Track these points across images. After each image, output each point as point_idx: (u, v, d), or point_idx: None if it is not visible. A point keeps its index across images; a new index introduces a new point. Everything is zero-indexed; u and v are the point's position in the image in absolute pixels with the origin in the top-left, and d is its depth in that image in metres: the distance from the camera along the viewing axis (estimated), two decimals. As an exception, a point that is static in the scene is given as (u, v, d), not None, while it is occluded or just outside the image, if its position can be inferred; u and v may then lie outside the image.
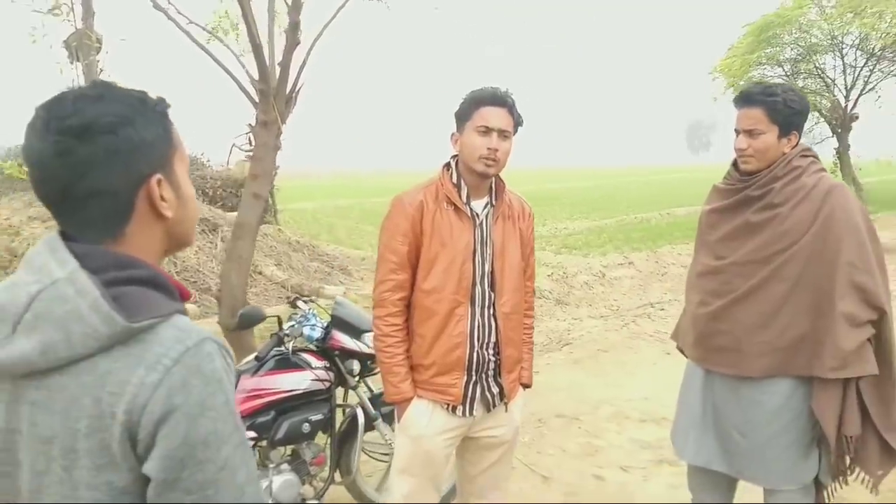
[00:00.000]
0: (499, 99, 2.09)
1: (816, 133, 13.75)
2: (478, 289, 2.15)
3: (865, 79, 12.87)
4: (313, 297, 3.33)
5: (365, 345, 2.99)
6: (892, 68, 13.17)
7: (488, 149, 2.07)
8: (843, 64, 13.07)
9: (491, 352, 2.18)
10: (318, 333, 2.94)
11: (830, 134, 13.27)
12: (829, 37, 12.69)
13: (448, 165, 2.21)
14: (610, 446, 4.02)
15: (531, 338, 2.37)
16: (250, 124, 4.70)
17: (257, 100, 4.35)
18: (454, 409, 2.18)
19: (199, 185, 12.42)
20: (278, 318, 2.98)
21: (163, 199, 0.94)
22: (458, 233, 2.13)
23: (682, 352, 2.63)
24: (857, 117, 13.14)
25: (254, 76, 4.31)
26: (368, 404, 3.02)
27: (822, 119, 13.35)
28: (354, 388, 3.02)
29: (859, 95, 12.89)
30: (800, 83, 13.14)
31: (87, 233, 0.92)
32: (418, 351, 2.17)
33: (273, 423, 2.78)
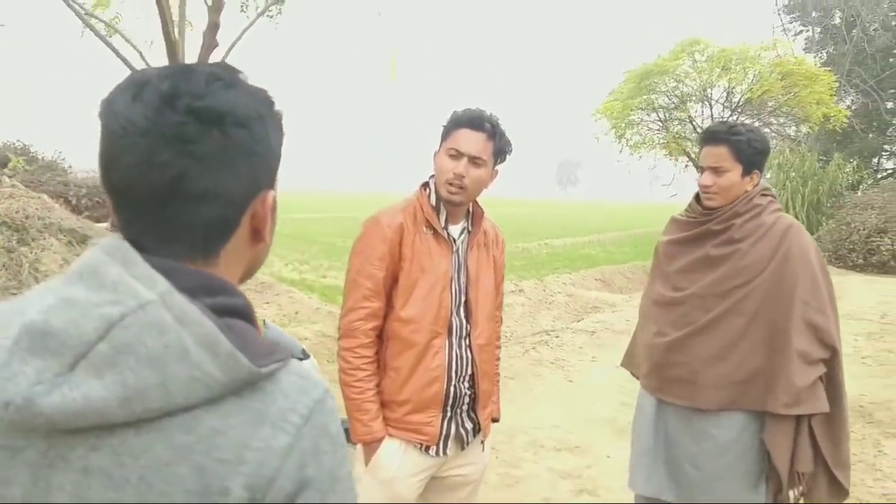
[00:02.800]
0: (476, 122, 1.97)
1: (687, 175, 14.92)
2: (454, 319, 2.01)
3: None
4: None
5: (297, 373, 2.75)
6: (750, 122, 14.61)
7: (454, 174, 1.95)
8: (712, 114, 14.32)
9: (466, 385, 2.03)
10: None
11: (697, 177, 14.41)
12: (700, 88, 13.85)
13: (426, 185, 2.07)
14: (529, 476, 3.97)
15: (498, 370, 2.26)
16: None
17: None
18: (427, 448, 2.01)
19: (61, 192, 11.39)
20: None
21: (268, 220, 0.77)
22: (437, 258, 1.99)
23: (636, 377, 2.64)
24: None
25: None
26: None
27: (691, 163, 14.49)
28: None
29: (723, 144, 14.12)
30: (672, 129, 14.20)
31: (174, 246, 0.71)
32: (391, 386, 1.99)
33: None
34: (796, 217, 14.27)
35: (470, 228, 2.08)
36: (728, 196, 2.23)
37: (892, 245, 14.47)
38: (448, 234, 2.02)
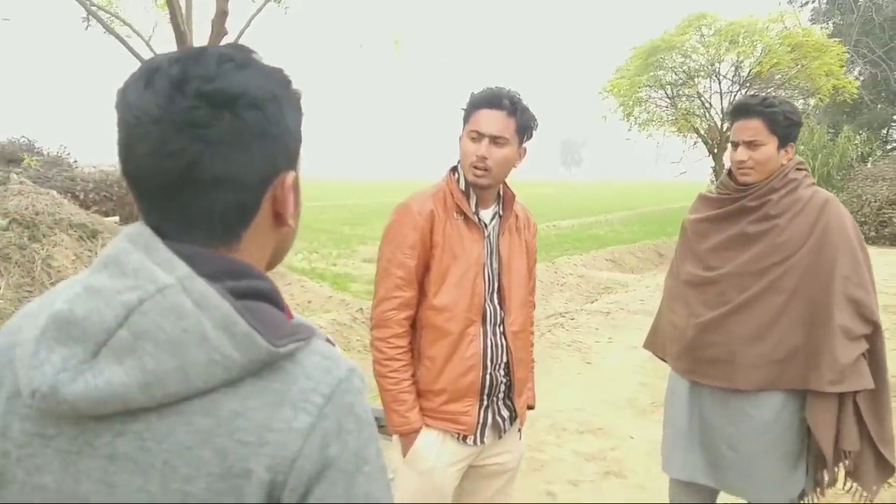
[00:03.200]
0: (494, 101, 1.91)
1: (696, 153, 14.80)
2: (488, 305, 1.97)
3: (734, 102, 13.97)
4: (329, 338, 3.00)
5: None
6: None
7: (477, 156, 1.89)
8: (720, 89, 14.16)
9: (502, 373, 2.00)
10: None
11: (707, 154, 14.30)
12: (708, 63, 13.69)
13: (455, 170, 2.02)
14: (554, 460, 3.95)
15: (533, 356, 2.23)
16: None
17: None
18: (465, 437, 1.98)
19: (68, 188, 11.38)
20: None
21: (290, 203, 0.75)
22: (468, 244, 1.94)
23: (662, 359, 2.60)
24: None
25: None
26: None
27: (700, 140, 14.35)
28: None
29: (732, 119, 13.99)
30: (681, 105, 14.06)
31: (195, 232, 0.70)
32: (427, 376, 1.95)
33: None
34: (807, 191, 14.16)
35: (501, 213, 2.03)
36: (764, 171, 2.16)
37: (905, 216, 14.34)
38: (479, 218, 1.97)
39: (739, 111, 2.18)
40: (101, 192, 11.77)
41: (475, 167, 1.91)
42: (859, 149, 15.91)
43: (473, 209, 1.97)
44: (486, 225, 1.99)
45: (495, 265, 1.99)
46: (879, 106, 20.95)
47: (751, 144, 2.14)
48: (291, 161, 0.75)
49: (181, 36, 3.70)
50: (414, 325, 1.98)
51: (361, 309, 7.41)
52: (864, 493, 2.17)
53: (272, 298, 0.72)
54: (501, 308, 1.99)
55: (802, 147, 15.59)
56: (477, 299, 1.94)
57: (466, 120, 1.95)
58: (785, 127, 2.13)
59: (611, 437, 4.31)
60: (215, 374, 0.63)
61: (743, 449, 2.19)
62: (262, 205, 0.72)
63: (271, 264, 0.80)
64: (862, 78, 17.56)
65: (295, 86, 0.75)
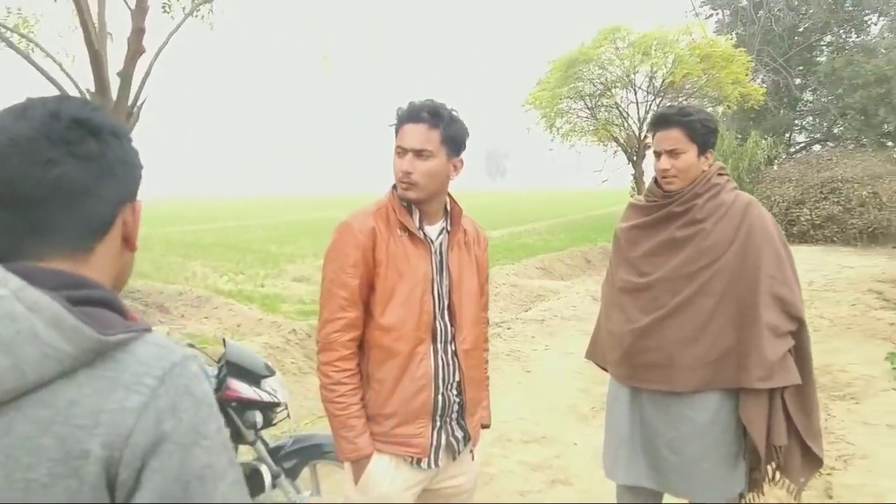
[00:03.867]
0: (413, 115, 1.89)
1: (616, 161, 15.31)
2: (438, 323, 1.94)
3: (653, 113, 14.59)
4: (191, 343, 2.87)
5: (265, 392, 2.62)
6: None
7: (402, 171, 1.88)
8: (636, 99, 14.71)
9: (454, 393, 1.96)
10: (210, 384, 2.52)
11: (627, 162, 14.81)
12: (623, 74, 14.20)
13: (395, 186, 1.99)
14: (502, 472, 3.95)
15: (488, 374, 2.21)
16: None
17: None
18: (419, 461, 1.93)
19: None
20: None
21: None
22: (414, 261, 1.91)
23: (603, 368, 2.63)
24: (649, 146, 14.80)
25: (88, 88, 3.71)
26: (270, 460, 2.65)
27: (620, 148, 14.86)
28: (253, 444, 2.63)
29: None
30: (600, 116, 14.53)
31: (53, 238, 0.79)
32: (376, 399, 1.90)
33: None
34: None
35: (449, 228, 2.00)
36: (687, 177, 2.24)
37: (811, 215, 15.25)
38: (425, 234, 1.94)
39: (659, 122, 2.26)
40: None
41: (402, 182, 1.90)
42: (766, 153, 16.82)
43: (418, 224, 1.94)
44: (432, 241, 1.96)
45: (445, 282, 1.96)
46: (782, 111, 22.26)
47: (672, 153, 2.22)
48: (135, 191, 0.86)
49: (95, 56, 3.52)
50: (362, 346, 1.93)
51: (294, 330, 7.22)
52: (793, 487, 2.25)
53: (112, 305, 0.78)
54: (452, 325, 1.96)
55: (714, 152, 16.36)
56: (426, 317, 1.90)
57: (396, 136, 1.94)
58: (703, 134, 2.21)
59: (555, 444, 4.35)
60: (50, 367, 0.69)
61: (684, 452, 2.24)
62: (115, 223, 0.83)
63: (115, 288, 0.87)
64: (765, 85, 18.62)
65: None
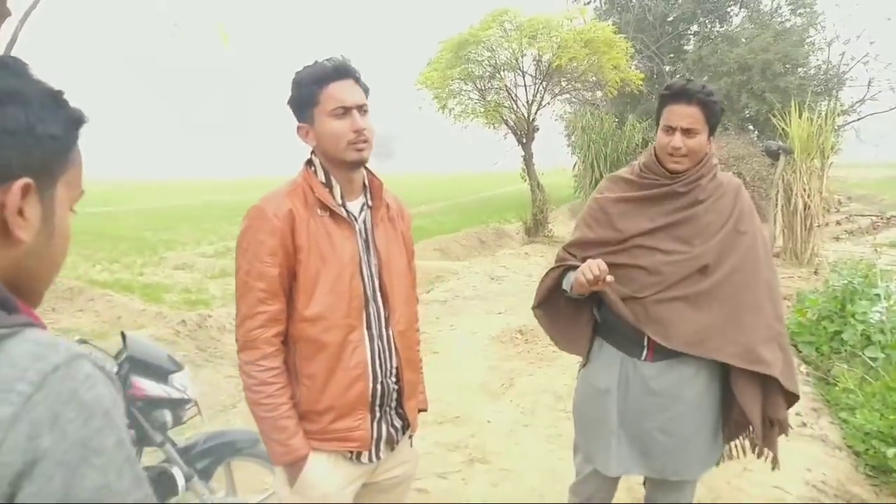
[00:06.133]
0: (343, 71, 1.75)
1: (508, 143, 15.58)
2: (371, 307, 1.81)
3: (541, 96, 14.90)
4: (83, 338, 2.58)
5: (174, 388, 2.41)
6: (556, 89, 15.53)
7: (354, 131, 1.73)
8: (524, 82, 14.96)
9: (393, 380, 1.85)
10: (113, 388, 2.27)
11: (517, 144, 15.08)
12: (512, 57, 14.39)
13: (310, 163, 1.83)
14: (420, 455, 3.89)
15: (420, 355, 2.11)
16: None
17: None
18: (359, 455, 1.82)
19: None
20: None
21: (21, 214, 0.71)
22: (339, 243, 1.76)
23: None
24: (538, 129, 15.16)
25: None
26: (181, 461, 2.44)
27: (510, 131, 15.10)
28: (161, 445, 2.41)
29: (538, 110, 14.88)
30: (490, 98, 14.68)
31: None
32: (308, 395, 1.76)
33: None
34: (601, 175, 15.56)
35: (370, 203, 1.88)
36: (695, 159, 2.13)
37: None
38: (348, 211, 1.81)
39: (678, 96, 2.10)
40: None
41: (357, 142, 1.74)
42: (642, 135, 17.70)
43: (339, 201, 1.80)
44: (355, 218, 1.82)
45: (374, 261, 1.84)
46: (654, 97, 23.48)
47: (688, 132, 2.08)
48: (32, 168, 0.71)
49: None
50: (287, 341, 1.78)
51: (184, 321, 6.80)
52: (769, 453, 2.23)
53: None
54: (385, 308, 1.85)
55: (595, 135, 17.03)
56: (356, 302, 1.77)
57: (314, 101, 1.75)
58: (718, 117, 2.13)
59: (469, 423, 4.35)
60: None
61: (677, 432, 2.18)
62: None
63: (24, 292, 0.73)
64: (641, 72, 19.57)
65: (71, 108, 0.75)
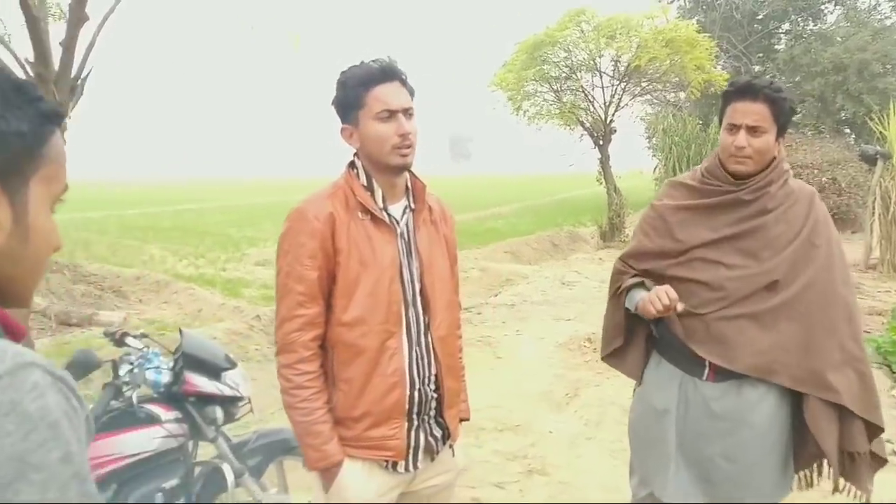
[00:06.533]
0: (390, 73, 1.71)
1: (584, 145, 15.29)
2: (411, 312, 1.76)
3: (619, 97, 14.55)
4: (144, 332, 2.66)
5: (227, 385, 2.44)
6: (635, 90, 15.11)
7: (399, 135, 1.69)
8: (602, 83, 14.67)
9: (432, 387, 1.80)
10: (165, 377, 2.33)
11: (593, 146, 14.79)
12: (589, 58, 14.13)
13: (353, 165, 1.80)
14: (476, 463, 3.82)
15: (463, 362, 2.05)
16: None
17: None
18: (395, 465, 1.77)
19: None
20: (113, 362, 2.29)
21: None
22: (379, 247, 1.72)
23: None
24: (615, 131, 14.81)
25: (27, 58, 3.41)
26: (233, 457, 2.46)
27: (586, 132, 14.82)
28: (213, 441, 2.44)
29: (615, 111, 14.54)
30: (566, 99, 14.46)
31: None
32: (344, 401, 1.73)
33: (116, 498, 2.14)
34: (684, 179, 14.94)
35: (413, 206, 1.83)
36: (762, 161, 1.97)
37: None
38: (389, 215, 1.77)
39: (743, 92, 1.96)
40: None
41: (402, 147, 1.70)
42: (727, 138, 16.98)
43: (381, 205, 1.76)
44: (397, 222, 1.78)
45: (415, 265, 1.79)
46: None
47: (754, 130, 1.93)
48: None
49: (34, 23, 3.24)
50: (325, 345, 1.75)
51: (258, 316, 6.98)
52: (860, 493, 2.04)
53: None
54: (426, 313, 1.79)
55: (677, 138, 16.48)
56: (395, 307, 1.73)
57: (359, 104, 1.71)
58: (787, 116, 1.98)
59: (529, 433, 4.24)
60: None
61: (741, 459, 2.03)
62: None
63: (3, 290, 0.73)
64: (726, 72, 18.81)
65: (40, 100, 0.72)
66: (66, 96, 3.61)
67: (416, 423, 1.79)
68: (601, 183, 14.89)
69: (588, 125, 14.68)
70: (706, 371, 2.05)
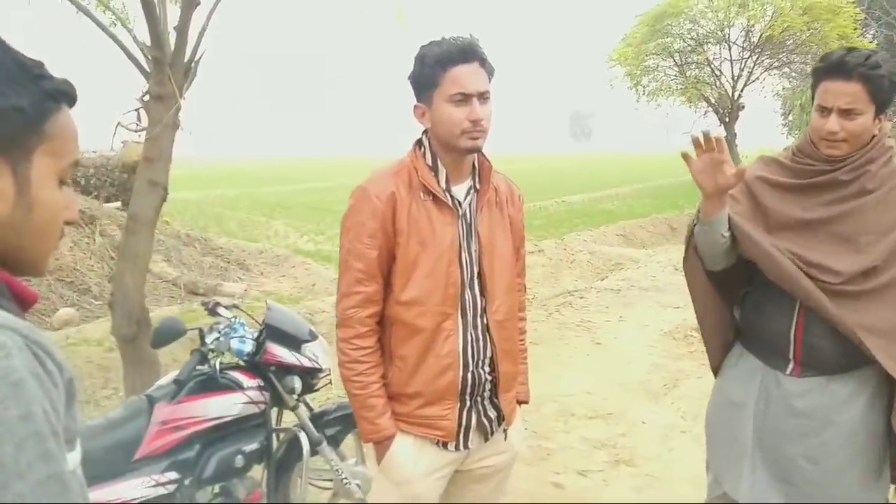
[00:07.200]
0: (469, 53, 1.65)
1: (707, 123, 14.39)
2: (467, 295, 1.74)
3: (749, 70, 13.55)
4: (237, 303, 2.81)
5: (306, 357, 2.53)
6: (771, 62, 13.98)
7: (471, 121, 1.65)
8: (731, 55, 13.72)
9: (487, 370, 1.78)
10: (249, 347, 2.45)
11: (718, 123, 13.90)
12: (717, 28, 13.24)
13: (420, 143, 1.78)
14: (561, 448, 3.76)
15: (525, 344, 2.01)
16: (140, 98, 4.02)
17: (149, 70, 3.70)
18: (446, 444, 1.77)
19: (69, 174, 11.28)
20: (200, 330, 2.45)
21: None
22: (440, 228, 1.71)
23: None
24: (743, 107, 13.83)
25: (144, 42, 3.65)
26: (311, 426, 2.56)
27: (711, 109, 13.95)
28: (294, 409, 2.55)
29: (744, 86, 13.57)
30: (690, 74, 13.66)
31: None
32: (399, 377, 1.75)
33: (199, 458, 2.29)
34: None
35: (477, 186, 1.80)
36: (857, 144, 1.81)
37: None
38: (452, 197, 1.74)
39: (835, 70, 1.79)
40: (102, 177, 11.64)
41: (473, 131, 1.66)
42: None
43: (444, 186, 1.74)
44: (459, 203, 1.76)
45: (474, 248, 1.76)
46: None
47: (847, 113, 1.77)
48: None
49: (149, 7, 3.46)
50: (383, 321, 1.77)
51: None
52: None
53: None
54: (483, 296, 1.77)
55: (817, 114, 15.15)
56: (452, 290, 1.72)
57: (434, 83, 1.67)
58: (888, 93, 1.78)
59: (621, 422, 4.11)
60: None
61: (825, 461, 1.89)
62: None
63: (11, 263, 0.77)
64: (877, 41, 17.01)
65: (43, 77, 0.76)
66: (181, 78, 3.82)
67: (468, 404, 1.78)
68: (726, 163, 14.01)
69: (713, 101, 13.81)
70: (791, 365, 1.89)
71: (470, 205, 1.78)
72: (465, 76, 1.65)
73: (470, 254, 1.75)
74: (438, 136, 1.72)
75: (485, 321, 1.77)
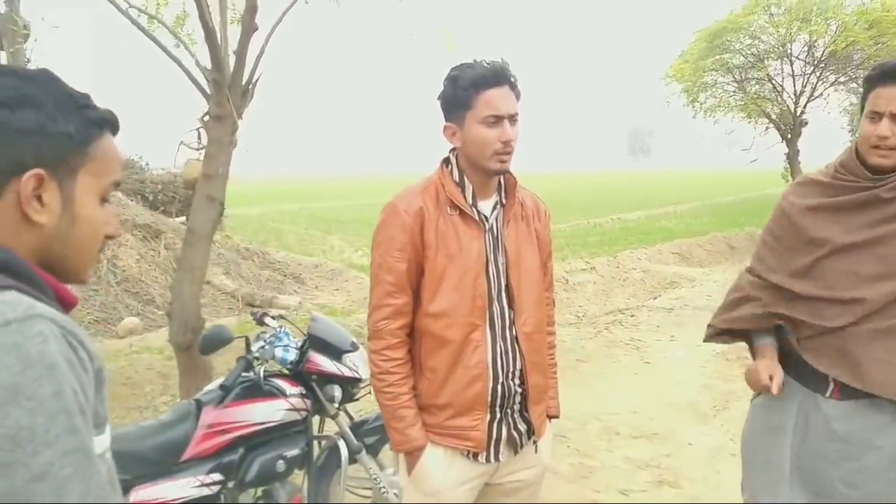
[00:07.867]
0: (501, 77, 1.71)
1: (767, 139, 14.02)
2: (495, 307, 1.78)
3: (813, 86, 13.14)
4: (283, 314, 2.92)
5: (346, 367, 2.61)
6: (836, 77, 13.53)
7: (502, 142, 1.70)
8: (793, 71, 13.34)
9: (516, 382, 1.81)
10: (292, 355, 2.55)
11: (780, 140, 13.51)
12: (778, 44, 12.92)
13: (447, 161, 1.84)
14: (604, 467, 3.73)
15: (555, 359, 2.03)
16: (201, 118, 4.23)
17: (209, 91, 3.90)
18: (476, 455, 1.81)
19: (138, 190, 11.82)
20: (246, 338, 2.56)
21: (39, 201, 0.82)
22: (466, 242, 1.76)
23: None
24: (806, 123, 13.42)
25: (205, 65, 3.86)
26: (351, 435, 2.64)
27: (772, 125, 13.58)
28: (334, 417, 2.63)
29: (807, 102, 13.17)
30: (750, 90, 13.35)
31: None
32: (429, 389, 1.79)
33: (242, 461, 2.39)
34: None
35: (503, 201, 1.84)
36: None
37: None
38: (478, 211, 1.80)
39: (890, 76, 1.76)
40: (169, 192, 12.17)
41: (504, 153, 1.72)
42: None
43: (471, 201, 1.79)
44: (486, 218, 1.81)
45: (501, 261, 1.80)
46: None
47: None
48: (46, 161, 0.82)
49: (210, 33, 3.65)
50: (413, 333, 1.82)
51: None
52: None
53: (9, 268, 0.78)
54: (511, 308, 1.81)
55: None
56: (479, 301, 1.76)
57: (467, 105, 1.72)
58: None
59: (667, 442, 4.04)
60: None
61: (864, 486, 1.84)
62: (2, 192, 0.80)
63: (58, 272, 0.86)
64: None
65: (88, 106, 0.87)
66: (238, 100, 4.01)
67: (498, 415, 1.81)
68: (787, 181, 13.60)
69: (774, 117, 13.43)
70: (830, 388, 1.85)
71: (496, 219, 1.82)
72: (497, 99, 1.71)
73: (497, 267, 1.80)
74: (468, 156, 1.78)
75: (513, 333, 1.80)
